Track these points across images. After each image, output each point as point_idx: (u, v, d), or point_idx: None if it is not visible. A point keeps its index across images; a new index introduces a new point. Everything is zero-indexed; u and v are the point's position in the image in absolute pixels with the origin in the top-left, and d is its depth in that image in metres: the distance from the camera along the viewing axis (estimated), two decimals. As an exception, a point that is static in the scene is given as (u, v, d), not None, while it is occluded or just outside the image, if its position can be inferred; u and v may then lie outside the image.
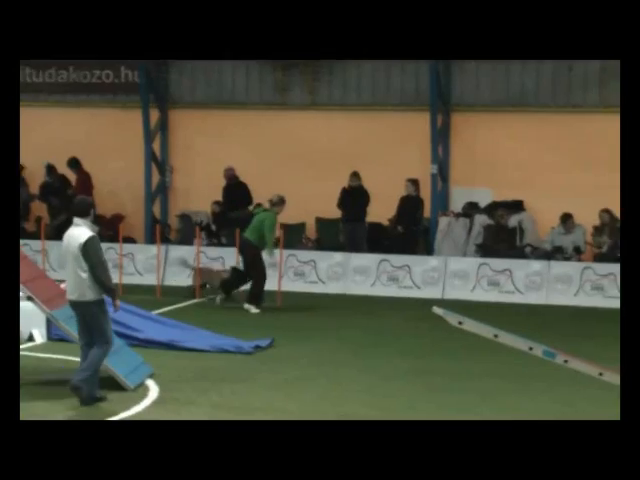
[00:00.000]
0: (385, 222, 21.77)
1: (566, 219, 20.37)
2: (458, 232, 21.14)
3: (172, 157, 23.41)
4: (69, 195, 22.66)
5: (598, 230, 20.31)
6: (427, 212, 21.54)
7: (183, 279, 20.49)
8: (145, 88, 22.70)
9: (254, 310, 17.63)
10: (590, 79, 20.87)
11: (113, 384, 11.40)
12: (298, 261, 20.32)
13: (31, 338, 14.32)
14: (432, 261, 20.33)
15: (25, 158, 20.97)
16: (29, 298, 11.32)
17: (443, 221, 21.25)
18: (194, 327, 14.84)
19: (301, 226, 22.03)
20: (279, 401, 11.34)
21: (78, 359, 11.56)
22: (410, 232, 21.36)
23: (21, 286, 10.62)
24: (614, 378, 8.41)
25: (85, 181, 22.76)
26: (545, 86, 21.25)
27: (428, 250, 21.31)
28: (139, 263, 21.08)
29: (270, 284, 18.13)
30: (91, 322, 10.99)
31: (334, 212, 21.29)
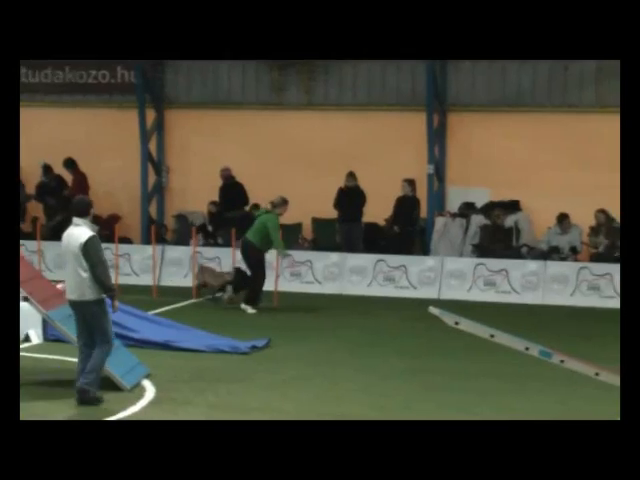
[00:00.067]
0: (381, 222, 21.77)
1: (562, 219, 20.38)
2: (454, 232, 21.14)
3: (168, 157, 23.40)
4: (65, 196, 22.68)
5: (594, 230, 20.31)
6: (423, 212, 21.53)
7: (179, 279, 20.49)
8: (141, 88, 22.68)
9: (250, 310, 17.63)
10: (586, 79, 20.88)
11: (109, 384, 11.40)
12: (294, 261, 20.31)
13: (27, 339, 14.31)
14: (428, 261, 20.33)
15: (21, 158, 20.84)
16: (25, 298, 11.31)
17: (439, 221, 21.26)
18: (190, 327, 14.84)
19: (297, 226, 22.02)
20: (276, 401, 11.33)
21: (74, 359, 11.57)
22: (406, 232, 21.36)
23: (17, 286, 10.62)
24: (610, 378, 8.41)
25: (81, 181, 22.74)
26: (541, 86, 21.26)
27: (424, 250, 21.31)
28: (135, 263, 21.07)
29: (266, 284, 18.12)
30: (92, 322, 11.00)
31: (330, 212, 21.29)
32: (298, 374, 12.82)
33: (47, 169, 22.89)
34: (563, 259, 20.07)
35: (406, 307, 18.42)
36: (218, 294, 18.72)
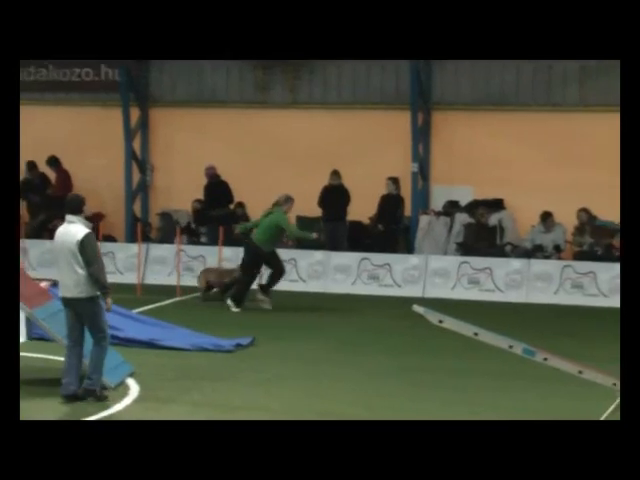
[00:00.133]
0: (366, 220, 21.78)
1: (546, 217, 20.43)
2: (439, 230, 21.17)
3: (153, 155, 23.36)
4: (48, 194, 22.62)
5: (579, 230, 20.38)
6: (408, 211, 21.55)
7: (164, 277, 20.46)
8: (125, 86, 22.62)
9: (267, 305, 17.63)
10: (570, 78, 20.93)
11: (94, 383, 11.37)
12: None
13: (11, 337, 14.26)
14: (413, 259, 20.35)
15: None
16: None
17: (424, 219, 21.28)
18: (174, 326, 14.83)
19: (282, 224, 21.99)
20: (261, 399, 11.34)
21: (58, 358, 11.56)
22: (391, 231, 21.39)
23: None
24: (593, 376, 8.47)
25: (65, 180, 22.68)
26: (525, 85, 21.30)
27: (409, 248, 21.33)
28: (119, 262, 21.03)
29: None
30: (87, 319, 11.04)
31: (315, 210, 21.29)
32: (283, 372, 12.82)
33: (31, 166, 22.80)
34: (547, 257, 20.12)
35: (390, 305, 18.44)
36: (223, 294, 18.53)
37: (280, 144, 22.23)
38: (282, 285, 18.36)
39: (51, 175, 22.91)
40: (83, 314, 11.01)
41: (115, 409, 10.78)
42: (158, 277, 20.60)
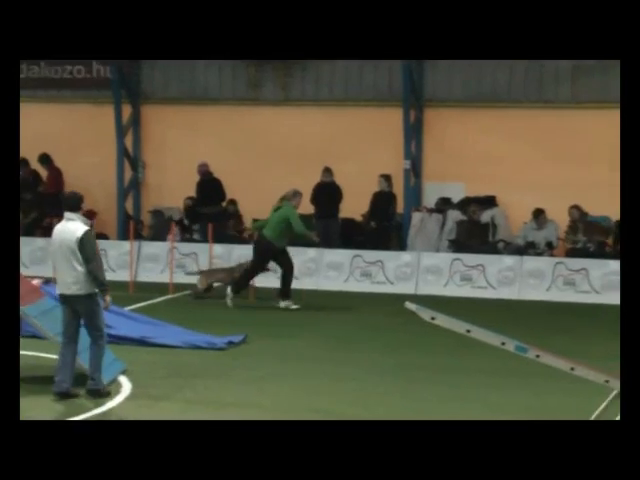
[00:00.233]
0: (358, 218, 21.79)
1: (538, 214, 20.45)
2: (431, 228, 21.18)
3: (145, 153, 23.33)
4: (40, 192, 22.57)
5: (572, 228, 20.39)
6: (400, 208, 21.56)
7: (156, 275, 20.44)
8: (117, 84, 22.59)
9: (293, 306, 17.51)
10: (562, 75, 20.95)
11: (85, 380, 11.35)
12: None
13: (2, 335, 14.23)
14: (405, 257, 20.36)
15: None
16: None
17: (416, 217, 21.29)
18: (166, 323, 14.82)
19: (274, 222, 21.97)
20: (253, 396, 11.34)
21: (50, 355, 11.53)
22: (383, 228, 21.39)
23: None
24: (585, 373, 8.47)
25: (56, 177, 22.65)
26: (517, 82, 21.31)
27: (401, 246, 21.34)
28: (112, 259, 20.99)
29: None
30: (86, 316, 11.06)
31: (307, 208, 21.26)
32: (275, 370, 12.82)
33: (23, 164, 22.72)
34: (539, 254, 20.14)
35: (383, 302, 18.44)
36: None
37: (272, 141, 22.22)
38: (275, 283, 18.33)
39: (43, 173, 22.87)
40: (81, 311, 11.02)
41: (107, 407, 10.77)
42: (150, 274, 20.58)
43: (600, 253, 19.81)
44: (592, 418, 8.77)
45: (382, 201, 21.27)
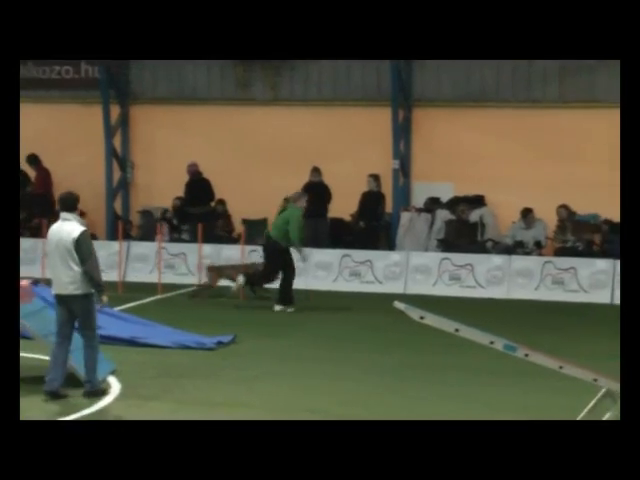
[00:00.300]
0: (347, 217, 21.81)
1: (526, 214, 20.50)
2: (420, 227, 21.21)
3: (133, 153, 23.32)
4: (28, 192, 22.52)
5: (561, 228, 20.44)
6: (389, 207, 21.59)
7: (145, 275, 20.43)
8: (106, 84, 22.57)
9: (289, 309, 17.46)
10: (549, 75, 21.00)
11: (75, 380, 11.35)
12: (260, 256, 20.27)
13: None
14: (394, 256, 20.38)
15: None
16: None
17: (405, 216, 21.31)
18: (156, 323, 14.81)
19: (263, 221, 21.99)
20: (243, 396, 11.34)
21: (36, 356, 11.52)
22: (372, 227, 21.42)
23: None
24: (574, 371, 8.50)
25: (45, 178, 22.62)
26: (505, 81, 21.36)
27: (390, 245, 21.37)
28: (100, 259, 20.59)
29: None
30: (81, 316, 11.08)
31: (296, 208, 21.28)
32: (264, 370, 12.82)
33: (11, 164, 22.70)
34: (527, 253, 20.19)
35: (372, 302, 18.46)
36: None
37: (261, 141, 22.22)
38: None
39: (31, 173, 22.82)
40: (77, 311, 11.04)
41: (97, 407, 10.75)
42: (139, 275, 20.57)
43: (588, 252, 19.87)
44: (581, 416, 8.80)
45: (371, 201, 21.30)
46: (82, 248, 10.95)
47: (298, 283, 19.98)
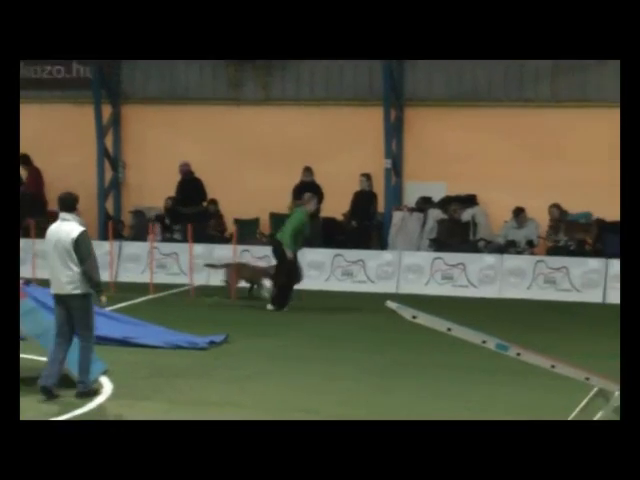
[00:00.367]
0: (339, 217, 21.81)
1: (518, 213, 20.52)
2: (412, 227, 21.21)
3: (125, 153, 23.29)
4: (20, 192, 22.47)
5: (553, 228, 20.46)
6: (381, 207, 21.60)
7: (136, 275, 20.40)
8: (97, 83, 22.54)
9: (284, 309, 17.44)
10: (542, 74, 21.02)
11: (67, 380, 11.33)
12: (252, 256, 20.29)
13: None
14: (386, 255, 20.39)
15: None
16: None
17: (397, 216, 21.32)
18: (148, 323, 14.79)
19: (255, 221, 22.02)
20: (235, 396, 11.33)
21: (28, 356, 11.49)
22: (364, 227, 21.42)
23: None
24: (566, 370, 8.51)
25: (36, 178, 22.59)
26: (497, 81, 21.37)
27: (382, 245, 21.37)
28: (92, 260, 20.89)
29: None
30: (79, 316, 11.07)
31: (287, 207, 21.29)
32: (257, 369, 12.81)
33: (3, 164, 22.66)
34: (520, 253, 20.21)
35: (364, 301, 18.46)
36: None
37: (253, 141, 22.21)
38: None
39: (22, 173, 22.75)
40: (75, 311, 11.04)
41: (89, 407, 10.74)
42: (131, 275, 20.55)
43: (580, 251, 19.90)
44: (573, 415, 8.81)
45: (363, 200, 21.30)
46: (81, 248, 10.96)
47: (290, 283, 20.05)
